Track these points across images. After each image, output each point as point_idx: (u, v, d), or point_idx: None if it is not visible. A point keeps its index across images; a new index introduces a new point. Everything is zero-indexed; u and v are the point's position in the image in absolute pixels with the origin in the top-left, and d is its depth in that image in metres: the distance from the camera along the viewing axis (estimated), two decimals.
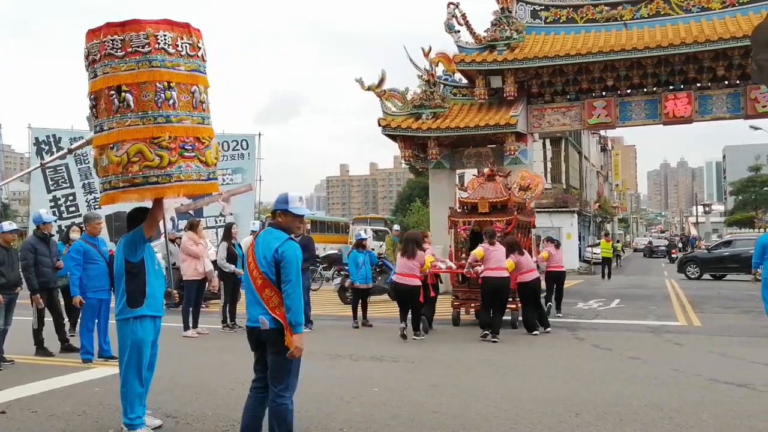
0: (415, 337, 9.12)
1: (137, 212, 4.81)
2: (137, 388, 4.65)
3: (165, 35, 4.30)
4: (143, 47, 4.26)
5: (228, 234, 10.66)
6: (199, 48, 4.51)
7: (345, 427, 4.87)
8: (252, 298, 4.05)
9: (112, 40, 4.28)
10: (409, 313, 9.18)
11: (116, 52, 4.27)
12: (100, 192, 4.62)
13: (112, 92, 4.30)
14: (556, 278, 12.16)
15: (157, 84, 4.28)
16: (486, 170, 11.78)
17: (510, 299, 9.80)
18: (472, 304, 10.75)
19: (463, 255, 10.74)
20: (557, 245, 12.28)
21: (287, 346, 3.88)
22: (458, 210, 11.39)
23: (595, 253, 31.89)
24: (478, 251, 9.27)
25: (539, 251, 12.40)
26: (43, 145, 26.79)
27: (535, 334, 9.50)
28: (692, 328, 10.59)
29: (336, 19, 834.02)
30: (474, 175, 13.67)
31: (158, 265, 4.96)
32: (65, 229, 26.25)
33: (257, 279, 4.01)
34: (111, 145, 4.35)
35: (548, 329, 9.80)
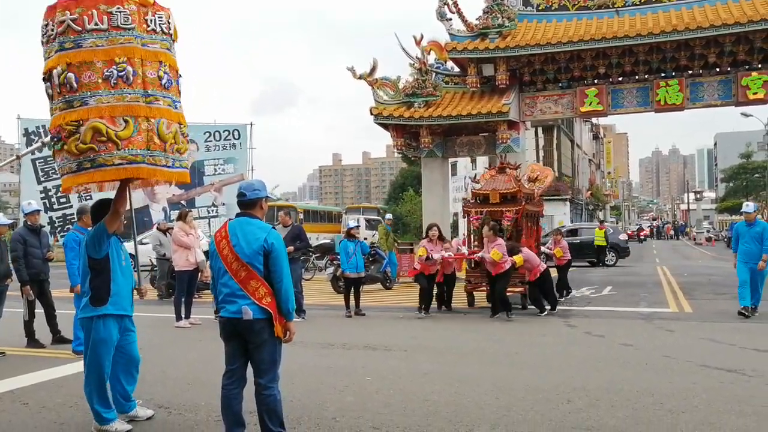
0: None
1: (101, 206, 4.64)
2: (99, 388, 4.52)
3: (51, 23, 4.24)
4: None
5: None
6: (92, 17, 4.16)
7: (338, 416, 4.88)
8: (230, 291, 3.90)
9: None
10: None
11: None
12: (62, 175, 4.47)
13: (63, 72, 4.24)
14: (567, 267, 12.97)
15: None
16: (498, 163, 12.48)
17: (520, 284, 10.91)
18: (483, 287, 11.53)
19: (476, 243, 11.57)
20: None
21: (277, 335, 3.89)
22: (471, 201, 11.92)
23: None
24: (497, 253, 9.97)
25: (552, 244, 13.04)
26: (32, 136, 26.57)
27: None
28: (683, 314, 10.65)
29: (328, 7, 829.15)
30: (486, 168, 14.45)
31: (126, 261, 4.73)
32: (56, 221, 26.16)
33: (239, 271, 3.87)
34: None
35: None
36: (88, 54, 4.13)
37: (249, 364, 4.03)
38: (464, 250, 11.40)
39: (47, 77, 4.27)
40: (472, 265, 11.28)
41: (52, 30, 4.21)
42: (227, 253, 3.91)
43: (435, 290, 10.96)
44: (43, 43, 4.34)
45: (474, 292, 11.58)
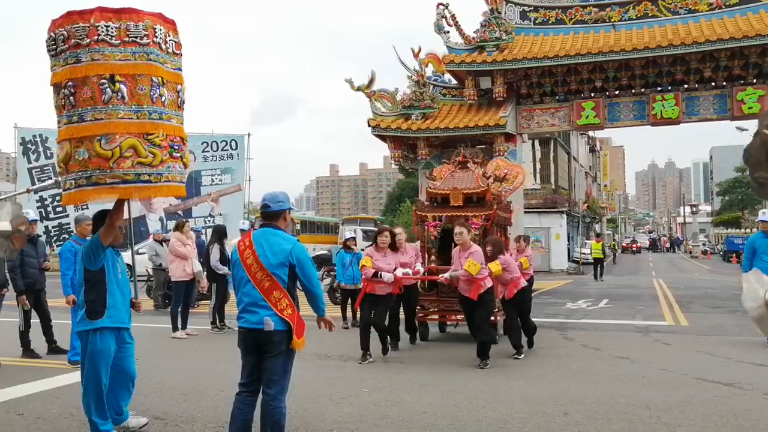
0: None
1: (102, 216, 4.57)
2: (97, 400, 4.49)
3: (161, 30, 4.21)
4: (141, 38, 4.11)
5: (221, 236, 10.53)
6: (181, 45, 4.43)
7: (335, 428, 4.87)
8: (252, 300, 3.90)
9: (107, 26, 4.07)
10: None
11: (111, 39, 4.06)
12: (67, 189, 4.23)
13: (104, 81, 4.06)
14: (530, 285, 9.85)
15: (153, 78, 4.15)
16: (458, 157, 9.91)
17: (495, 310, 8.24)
18: (439, 315, 9.29)
19: (433, 257, 9.21)
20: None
21: (292, 348, 3.92)
22: (426, 203, 9.50)
23: (584, 254, 32.13)
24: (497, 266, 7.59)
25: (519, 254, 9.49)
26: (29, 145, 26.57)
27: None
28: (679, 327, 10.67)
29: (328, 18, 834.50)
30: (444, 161, 11.80)
31: (122, 273, 4.67)
32: (52, 230, 26.10)
33: (263, 281, 3.88)
34: (98, 137, 4.06)
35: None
36: (172, 75, 4.33)
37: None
38: (419, 267, 8.41)
39: (89, 83, 4.13)
40: (426, 286, 9.07)
41: (105, 34, 4.10)
42: (252, 263, 3.91)
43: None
44: (78, 44, 4.15)
45: (427, 321, 9.29)
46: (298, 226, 32.73)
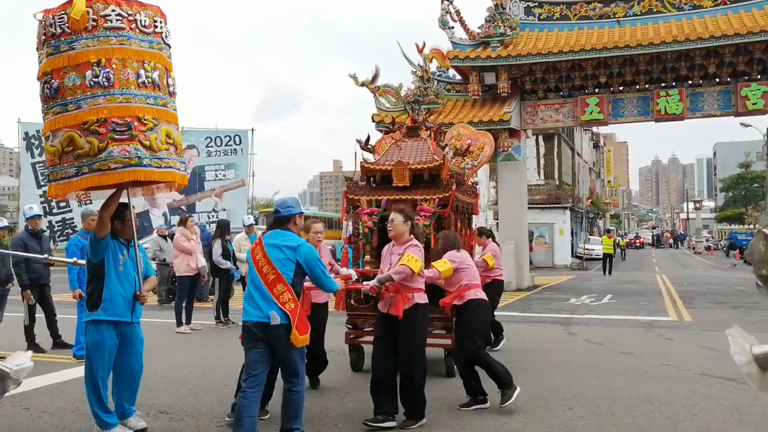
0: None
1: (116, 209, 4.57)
2: (95, 391, 4.50)
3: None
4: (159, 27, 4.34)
5: (224, 230, 10.57)
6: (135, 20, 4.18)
7: (340, 422, 4.89)
8: (258, 294, 4.02)
9: (52, 23, 4.11)
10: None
11: (145, 27, 4.25)
12: (159, 166, 4.22)
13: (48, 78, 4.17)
14: (497, 292, 7.82)
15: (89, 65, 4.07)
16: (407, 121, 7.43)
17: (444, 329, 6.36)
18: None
19: (368, 257, 6.56)
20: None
21: (292, 342, 4.00)
22: (362, 183, 6.93)
23: (587, 249, 32.13)
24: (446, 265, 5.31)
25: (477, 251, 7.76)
26: (32, 140, 26.58)
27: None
28: (683, 323, 10.68)
29: (330, 15, 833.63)
30: (387, 127, 8.95)
31: (125, 267, 4.57)
32: (55, 225, 26.14)
33: (269, 274, 4.01)
34: (175, 125, 4.37)
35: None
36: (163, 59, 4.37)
37: (266, 369, 4.12)
38: (346, 271, 5.73)
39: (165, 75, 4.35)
40: (362, 297, 6.45)
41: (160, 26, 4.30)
42: (260, 258, 4.09)
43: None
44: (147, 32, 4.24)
45: (361, 345, 6.80)
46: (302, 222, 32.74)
